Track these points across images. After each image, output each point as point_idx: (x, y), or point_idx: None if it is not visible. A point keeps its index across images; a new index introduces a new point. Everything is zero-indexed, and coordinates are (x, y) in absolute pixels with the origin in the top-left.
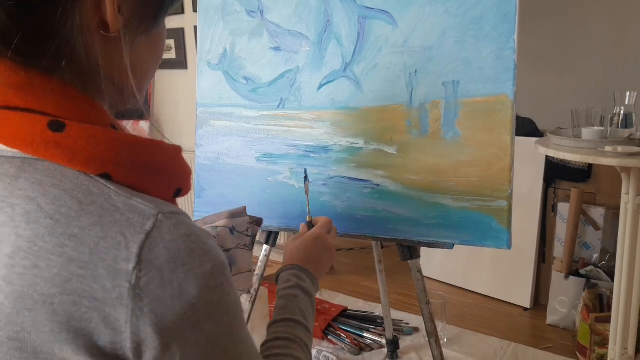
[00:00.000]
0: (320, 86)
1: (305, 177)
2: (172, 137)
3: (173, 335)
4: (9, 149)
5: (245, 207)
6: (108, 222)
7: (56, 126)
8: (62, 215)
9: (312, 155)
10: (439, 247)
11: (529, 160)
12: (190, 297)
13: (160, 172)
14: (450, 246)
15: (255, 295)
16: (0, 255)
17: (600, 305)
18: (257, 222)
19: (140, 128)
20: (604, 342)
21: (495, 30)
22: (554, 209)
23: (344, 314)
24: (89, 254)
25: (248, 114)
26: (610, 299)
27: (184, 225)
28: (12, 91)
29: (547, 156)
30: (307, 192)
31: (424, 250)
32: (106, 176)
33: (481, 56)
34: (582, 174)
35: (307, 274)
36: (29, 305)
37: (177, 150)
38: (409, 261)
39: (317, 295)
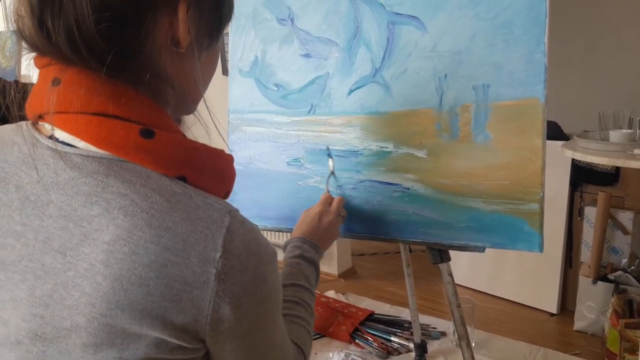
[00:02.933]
0: (350, 91)
1: (329, 155)
2: (201, 138)
3: (245, 310)
4: (96, 149)
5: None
6: (195, 217)
7: (147, 134)
8: (156, 210)
9: (342, 159)
10: (470, 250)
11: (555, 164)
12: (260, 279)
13: (220, 176)
14: (482, 249)
15: None
16: (98, 242)
17: (630, 310)
18: None
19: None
20: (634, 349)
21: (525, 33)
22: (581, 213)
23: (371, 317)
24: (183, 244)
25: (279, 120)
26: None
27: (247, 220)
28: (110, 101)
29: (573, 160)
30: (331, 168)
31: None
32: (182, 178)
33: (511, 60)
34: (610, 177)
35: (310, 245)
36: (126, 286)
37: (232, 158)
38: (440, 264)
39: (343, 299)
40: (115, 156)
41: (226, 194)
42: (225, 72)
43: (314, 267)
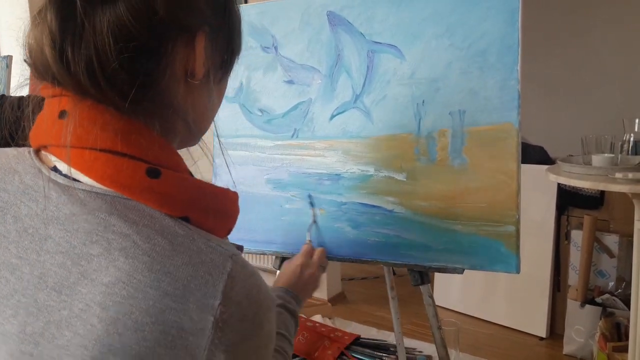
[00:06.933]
0: (332, 117)
1: (311, 203)
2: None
3: (240, 358)
4: (99, 185)
5: None
6: (197, 262)
7: (154, 173)
8: (157, 253)
9: (325, 182)
10: (449, 272)
11: (541, 188)
12: (258, 327)
13: (224, 215)
14: (460, 271)
15: None
16: (97, 283)
17: (617, 334)
18: (239, 248)
19: None
20: None
21: (499, 61)
22: (567, 236)
23: (357, 342)
24: (182, 289)
25: (263, 144)
26: (627, 327)
27: (248, 265)
28: (119, 137)
29: (559, 183)
30: (313, 218)
31: (440, 280)
32: (186, 219)
33: (486, 87)
34: (595, 201)
35: (292, 296)
36: (121, 330)
37: (236, 196)
38: (421, 286)
39: (330, 324)
40: (119, 194)
41: (228, 231)
42: None
43: (294, 318)
